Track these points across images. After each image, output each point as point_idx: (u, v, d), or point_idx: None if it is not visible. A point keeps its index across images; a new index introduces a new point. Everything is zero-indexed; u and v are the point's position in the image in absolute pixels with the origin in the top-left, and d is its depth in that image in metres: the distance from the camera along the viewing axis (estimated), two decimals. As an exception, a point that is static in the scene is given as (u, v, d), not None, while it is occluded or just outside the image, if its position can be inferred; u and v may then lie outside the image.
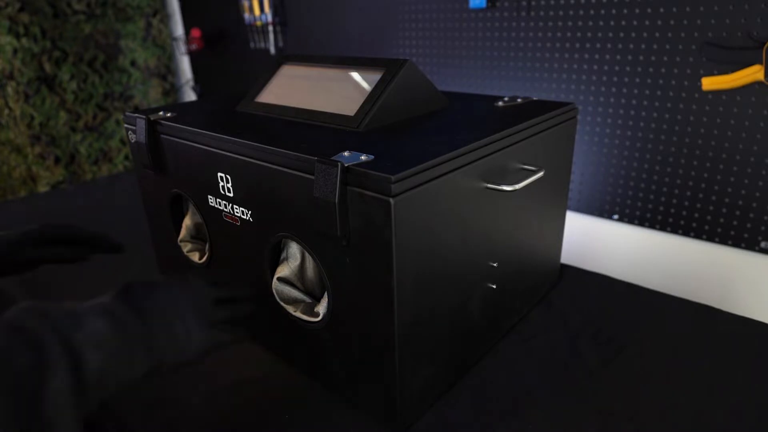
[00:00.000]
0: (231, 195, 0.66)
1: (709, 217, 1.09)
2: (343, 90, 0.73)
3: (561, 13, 1.16)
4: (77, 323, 0.39)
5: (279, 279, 0.64)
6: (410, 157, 0.52)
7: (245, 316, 0.57)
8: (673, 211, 1.13)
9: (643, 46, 1.07)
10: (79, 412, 0.37)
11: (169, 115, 0.76)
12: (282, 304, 0.65)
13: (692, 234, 1.12)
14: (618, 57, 1.11)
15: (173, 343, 0.46)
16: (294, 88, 0.78)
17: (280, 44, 1.84)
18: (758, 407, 0.62)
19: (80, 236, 0.68)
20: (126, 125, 0.80)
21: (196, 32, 2.11)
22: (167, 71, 2.31)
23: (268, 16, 1.78)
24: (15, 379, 0.34)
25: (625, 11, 1.07)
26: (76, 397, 0.37)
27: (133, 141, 0.78)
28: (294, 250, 0.64)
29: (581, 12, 1.13)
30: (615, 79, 1.13)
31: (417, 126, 0.66)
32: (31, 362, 0.35)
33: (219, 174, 0.66)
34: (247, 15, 1.84)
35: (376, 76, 0.68)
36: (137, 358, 0.43)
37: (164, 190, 0.79)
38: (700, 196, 1.08)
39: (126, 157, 2.22)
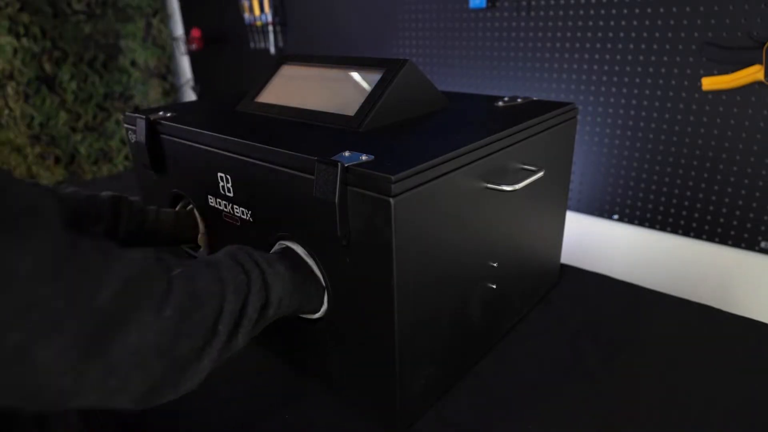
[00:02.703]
0: (231, 195, 0.66)
1: (709, 217, 1.09)
2: (343, 90, 0.73)
3: (561, 13, 1.16)
4: (270, 263, 0.53)
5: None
6: (410, 157, 0.52)
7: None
8: (673, 211, 1.13)
9: (643, 46, 1.07)
10: (259, 325, 0.50)
11: (169, 115, 0.76)
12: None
13: (692, 234, 1.12)
14: (618, 57, 1.11)
15: (307, 299, 0.58)
16: (294, 88, 0.78)
17: (280, 44, 1.84)
18: (758, 407, 0.62)
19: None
20: (126, 125, 0.80)
21: (196, 32, 2.11)
22: (167, 71, 2.31)
23: (268, 16, 1.78)
24: (235, 286, 0.48)
25: (625, 11, 1.08)
26: (262, 312, 0.50)
27: (133, 141, 0.78)
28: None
29: (581, 12, 1.13)
30: (615, 79, 1.13)
31: (417, 126, 0.66)
32: (241, 280, 0.49)
33: (219, 174, 0.66)
34: (247, 15, 1.84)
35: (376, 76, 0.68)
36: (295, 300, 0.55)
37: (164, 190, 0.79)
38: (700, 196, 1.08)
39: (126, 157, 2.22)
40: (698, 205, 1.09)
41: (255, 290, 0.49)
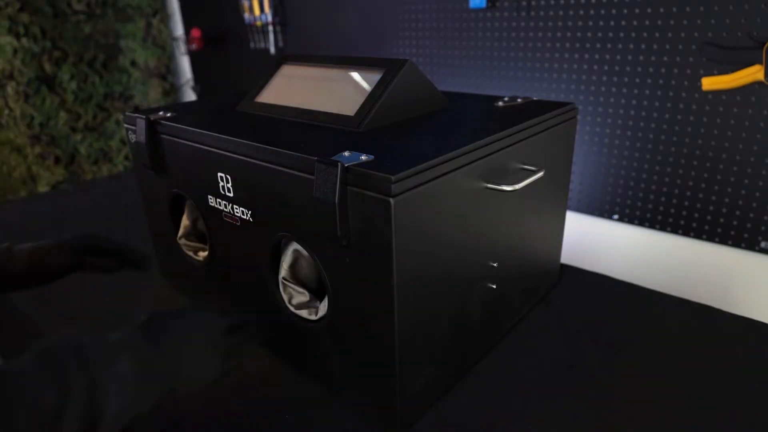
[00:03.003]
0: (231, 195, 0.66)
1: (709, 217, 1.09)
2: (343, 90, 0.73)
3: (561, 13, 1.16)
4: (105, 362, 0.40)
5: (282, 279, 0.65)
6: (410, 157, 0.52)
7: (253, 340, 0.59)
8: (673, 211, 1.13)
9: (643, 46, 1.07)
10: None
11: (169, 115, 0.76)
12: (288, 304, 0.65)
13: (692, 234, 1.12)
14: (618, 57, 1.11)
15: (188, 375, 0.48)
16: (294, 88, 0.78)
17: (280, 44, 1.84)
18: (758, 407, 0.62)
19: (112, 248, 0.71)
20: (126, 125, 0.80)
21: (196, 32, 2.11)
22: (167, 71, 2.31)
23: (268, 16, 1.78)
24: (35, 407, 0.35)
25: (625, 11, 1.07)
26: None
27: (133, 141, 0.78)
28: (288, 250, 0.64)
29: (581, 12, 1.13)
30: (615, 79, 1.13)
31: (417, 126, 0.66)
32: (53, 397, 0.36)
33: (219, 174, 0.66)
34: (247, 15, 1.84)
35: (376, 76, 0.68)
36: (152, 392, 0.44)
37: (164, 190, 0.79)
38: (700, 196, 1.08)
39: (126, 157, 2.22)
40: (698, 205, 1.09)
41: (71, 412, 0.36)
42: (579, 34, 1.15)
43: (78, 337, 0.41)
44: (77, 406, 0.36)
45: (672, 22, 1.02)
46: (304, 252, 0.62)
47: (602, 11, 1.11)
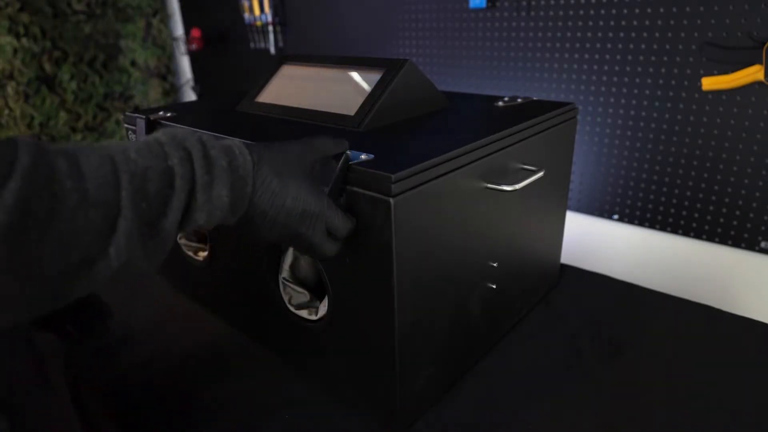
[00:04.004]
0: (231, 195, 0.65)
1: (709, 217, 1.09)
2: (343, 90, 0.73)
3: (561, 13, 1.16)
4: (213, 178, 0.41)
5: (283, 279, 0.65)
6: (410, 157, 0.52)
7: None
8: (673, 211, 1.13)
9: (643, 46, 1.07)
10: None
11: (169, 115, 0.76)
12: (288, 304, 0.65)
13: (692, 234, 1.12)
14: (618, 57, 1.11)
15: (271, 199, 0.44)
16: (294, 88, 0.78)
17: (280, 44, 1.84)
18: (758, 407, 0.62)
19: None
20: (126, 125, 0.80)
21: (196, 32, 2.11)
22: (167, 71, 2.31)
23: (268, 16, 1.78)
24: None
25: (625, 11, 1.07)
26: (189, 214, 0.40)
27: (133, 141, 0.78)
28: (288, 250, 0.64)
29: (581, 12, 1.13)
30: (615, 79, 1.13)
31: (417, 126, 0.66)
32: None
33: (219, 174, 0.65)
34: (247, 15, 1.84)
35: (376, 76, 0.68)
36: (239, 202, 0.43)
37: (164, 190, 0.79)
38: (700, 196, 1.08)
39: (126, 157, 2.22)
40: (698, 205, 1.09)
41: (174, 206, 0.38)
42: (579, 34, 1.15)
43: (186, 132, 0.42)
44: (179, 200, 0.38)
45: (672, 22, 1.02)
46: (304, 252, 0.62)
47: (602, 11, 1.11)
